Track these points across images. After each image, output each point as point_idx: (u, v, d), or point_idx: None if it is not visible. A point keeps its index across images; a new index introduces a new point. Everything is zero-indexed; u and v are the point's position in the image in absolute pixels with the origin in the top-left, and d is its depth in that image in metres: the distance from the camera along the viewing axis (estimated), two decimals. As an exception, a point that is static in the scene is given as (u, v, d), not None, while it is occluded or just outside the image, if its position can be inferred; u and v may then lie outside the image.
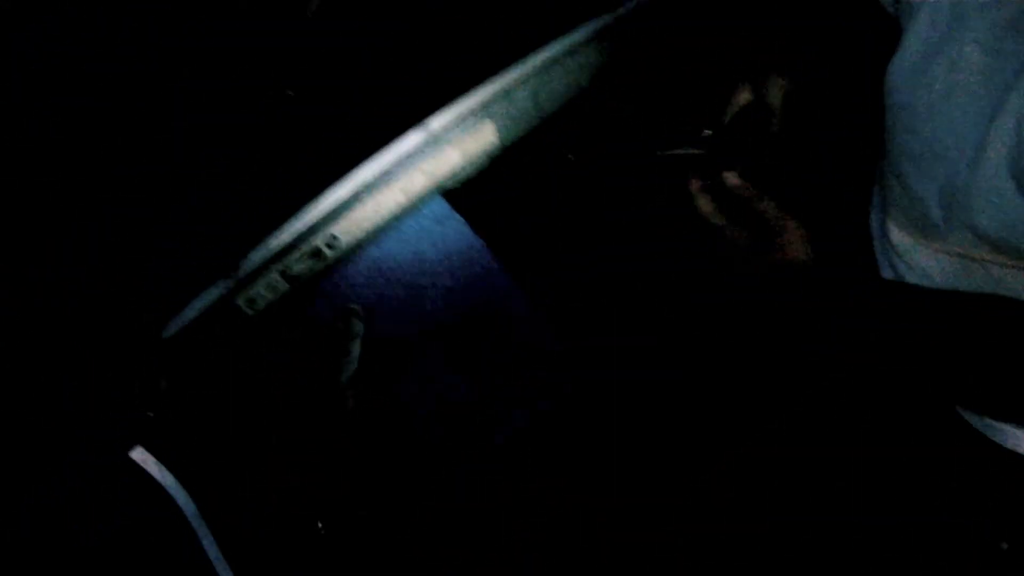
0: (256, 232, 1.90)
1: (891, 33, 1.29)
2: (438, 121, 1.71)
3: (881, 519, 1.37)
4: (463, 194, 1.77)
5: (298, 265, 1.67)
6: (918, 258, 1.25)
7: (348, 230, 1.69)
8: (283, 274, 1.65)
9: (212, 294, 1.64)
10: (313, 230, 1.63)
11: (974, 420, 1.34)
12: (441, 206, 1.84)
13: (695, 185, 1.30)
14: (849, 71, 1.61)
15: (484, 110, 1.72)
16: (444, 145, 1.68)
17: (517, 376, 1.75)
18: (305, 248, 1.64)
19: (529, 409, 1.74)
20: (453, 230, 1.81)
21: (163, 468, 1.38)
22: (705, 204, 1.28)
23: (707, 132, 1.75)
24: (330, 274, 1.71)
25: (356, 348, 1.66)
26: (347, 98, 2.29)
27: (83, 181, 2.13)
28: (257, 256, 1.61)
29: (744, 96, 1.48)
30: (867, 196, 1.51)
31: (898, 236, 1.29)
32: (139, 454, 1.39)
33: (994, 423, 1.30)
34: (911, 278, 1.28)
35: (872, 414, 1.44)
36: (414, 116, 1.86)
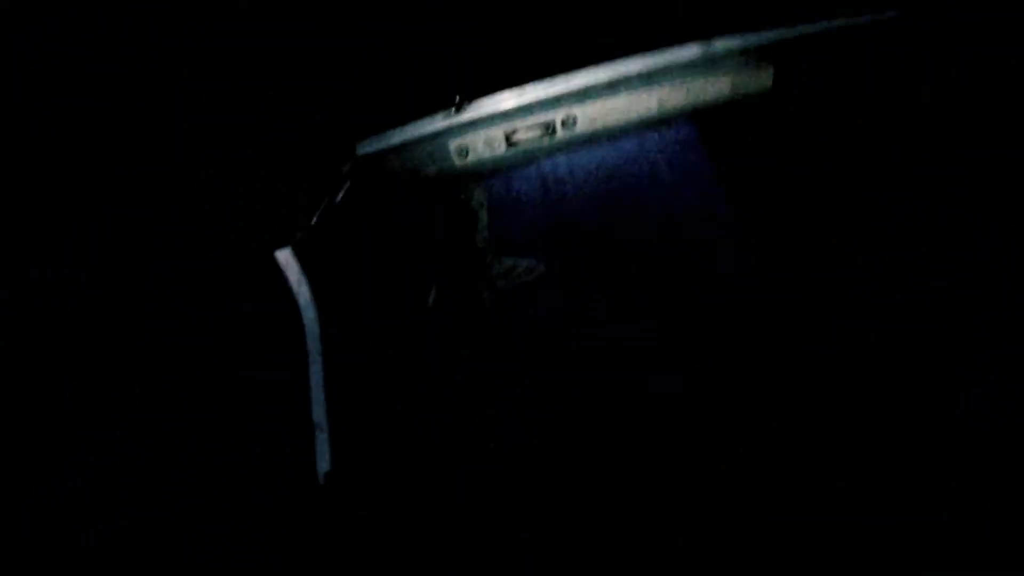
0: (255, 232, 1.87)
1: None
2: (724, 43, 1.59)
3: (881, 519, 1.37)
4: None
5: (527, 132, 1.59)
6: None
7: (590, 116, 1.59)
8: (508, 135, 1.56)
9: (426, 126, 1.54)
10: (555, 103, 1.54)
11: None
12: (690, 131, 1.74)
13: None
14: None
15: (770, 53, 1.59)
16: (720, 71, 1.59)
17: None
18: (541, 117, 1.56)
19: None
20: (694, 157, 1.68)
21: (303, 278, 1.29)
22: None
23: None
24: (553, 154, 1.63)
25: (484, 217, 1.57)
26: (347, 99, 2.27)
27: (83, 181, 2.12)
28: (487, 106, 1.51)
29: None
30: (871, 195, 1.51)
31: None
32: (284, 256, 1.29)
33: None
34: None
35: (872, 414, 1.44)
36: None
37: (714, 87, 1.61)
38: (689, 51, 1.56)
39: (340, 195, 1.41)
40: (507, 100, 1.52)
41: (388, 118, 1.52)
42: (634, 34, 1.66)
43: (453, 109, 1.51)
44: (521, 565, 1.49)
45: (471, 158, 1.57)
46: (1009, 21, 1.40)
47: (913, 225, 1.48)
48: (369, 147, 1.52)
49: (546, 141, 1.59)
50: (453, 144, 1.55)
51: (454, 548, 1.55)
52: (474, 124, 1.54)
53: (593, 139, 1.61)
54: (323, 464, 1.42)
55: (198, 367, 2.05)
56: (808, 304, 1.59)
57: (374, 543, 1.58)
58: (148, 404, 2.93)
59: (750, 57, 1.59)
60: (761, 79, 1.62)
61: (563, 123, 1.58)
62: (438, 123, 1.52)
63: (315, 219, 1.35)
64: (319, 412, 1.43)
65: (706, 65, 1.58)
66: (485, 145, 1.57)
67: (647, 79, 1.55)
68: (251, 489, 1.74)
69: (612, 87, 1.54)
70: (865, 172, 1.50)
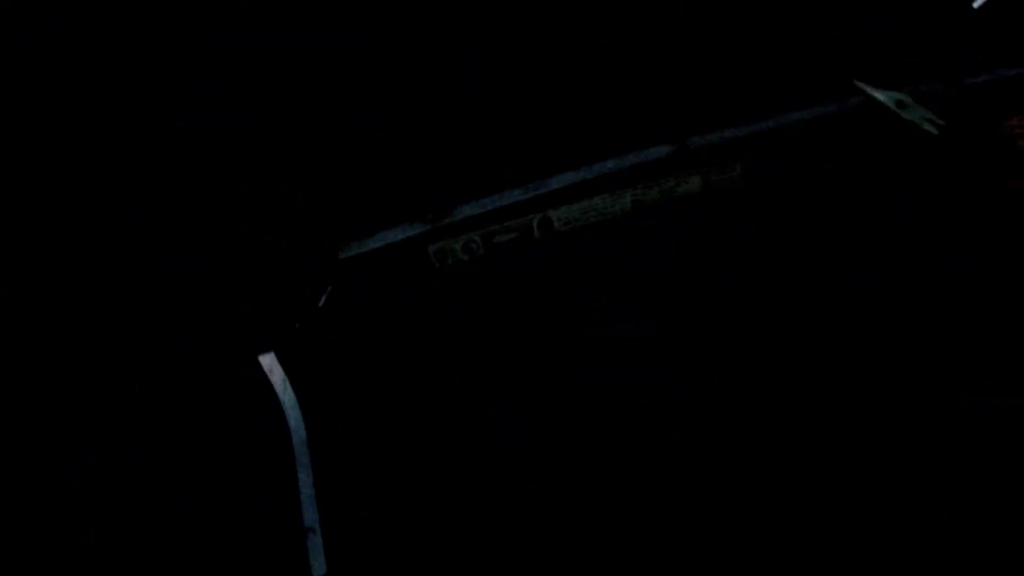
0: (257, 234, 1.87)
1: None
2: (694, 142, 1.72)
3: (881, 519, 1.37)
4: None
5: (504, 235, 1.66)
6: None
7: (566, 218, 1.67)
8: (485, 239, 1.63)
9: (405, 232, 1.61)
10: (531, 206, 1.61)
11: None
12: (664, 226, 1.79)
13: None
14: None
15: (738, 148, 1.71)
16: (691, 169, 1.68)
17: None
18: (518, 222, 1.62)
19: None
20: (672, 254, 1.73)
21: (288, 383, 1.31)
22: None
23: None
24: (529, 252, 1.67)
25: None
26: (350, 101, 2.26)
27: (83, 181, 2.12)
28: (464, 211, 1.59)
29: None
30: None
31: None
32: (268, 360, 1.32)
33: None
34: None
35: (872, 414, 1.44)
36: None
37: (686, 184, 1.69)
38: (660, 151, 1.66)
39: (323, 299, 1.47)
40: (484, 206, 1.60)
41: (370, 224, 1.58)
42: (606, 137, 1.73)
43: (431, 215, 1.59)
44: (521, 565, 1.50)
45: (450, 261, 1.64)
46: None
47: (891, 300, 1.49)
48: (351, 252, 1.58)
49: (524, 243, 1.66)
50: (433, 248, 1.61)
51: (454, 548, 1.55)
52: (453, 229, 1.60)
53: (574, 236, 1.69)
54: (319, 567, 1.44)
55: (198, 367, 2.05)
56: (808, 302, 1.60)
57: (374, 543, 1.58)
58: (148, 404, 2.93)
59: (721, 153, 1.68)
60: (733, 173, 1.71)
61: (540, 225, 1.65)
62: (418, 228, 1.60)
63: (298, 324, 1.39)
64: (311, 516, 1.45)
65: (677, 164, 1.67)
66: (464, 249, 1.63)
67: (620, 180, 1.64)
68: (251, 489, 1.73)
69: (586, 189, 1.62)
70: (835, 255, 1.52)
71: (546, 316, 1.60)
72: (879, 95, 1.34)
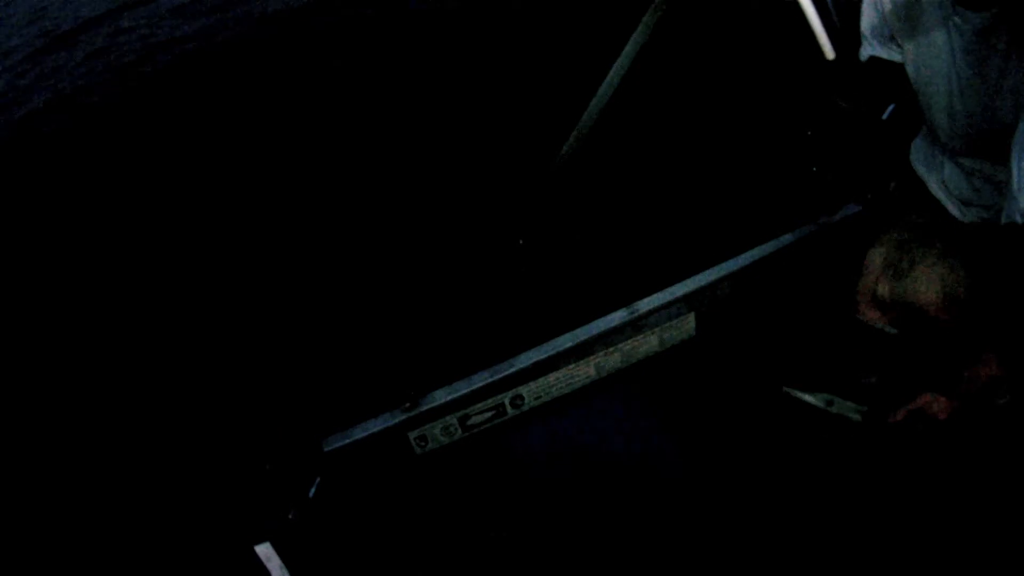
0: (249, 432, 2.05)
1: None
2: (646, 304, 1.78)
3: (882, 517, 1.38)
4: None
5: (479, 416, 1.73)
6: None
7: (535, 393, 1.77)
8: (461, 421, 1.71)
9: (385, 421, 1.67)
10: (501, 386, 1.71)
11: None
12: (629, 388, 1.82)
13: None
14: None
15: (687, 303, 1.81)
16: (646, 328, 1.79)
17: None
18: (491, 402, 1.72)
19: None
20: (640, 412, 1.75)
21: (285, 570, 1.36)
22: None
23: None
24: (505, 431, 1.77)
25: None
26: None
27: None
28: (439, 397, 1.69)
29: None
30: None
31: None
32: (265, 550, 1.35)
33: None
34: None
35: (873, 415, 1.44)
36: None
37: (644, 345, 1.80)
38: (616, 318, 1.76)
39: (312, 490, 1.52)
40: (457, 391, 1.68)
41: (351, 416, 1.70)
42: (563, 313, 1.92)
43: (408, 404, 1.66)
44: (521, 565, 1.49)
45: (430, 446, 1.71)
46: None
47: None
48: (335, 443, 1.64)
49: (499, 421, 1.75)
50: (412, 435, 1.68)
51: (454, 548, 1.55)
52: (430, 414, 1.67)
53: (545, 411, 1.80)
54: None
55: (199, 556, 2.16)
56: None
57: (375, 543, 1.58)
58: (148, 404, 2.93)
59: (672, 309, 1.79)
60: (686, 327, 1.83)
61: (512, 403, 1.74)
62: (397, 417, 1.65)
63: (291, 514, 1.44)
64: None
65: (633, 327, 1.77)
66: (443, 433, 1.70)
67: (581, 351, 1.74)
68: (251, 488, 1.73)
69: (551, 364, 1.72)
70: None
71: (526, 490, 1.67)
72: (807, 398, 1.51)
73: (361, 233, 3.66)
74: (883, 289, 1.48)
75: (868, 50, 1.49)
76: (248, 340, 3.08)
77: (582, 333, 1.74)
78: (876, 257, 1.50)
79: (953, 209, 1.50)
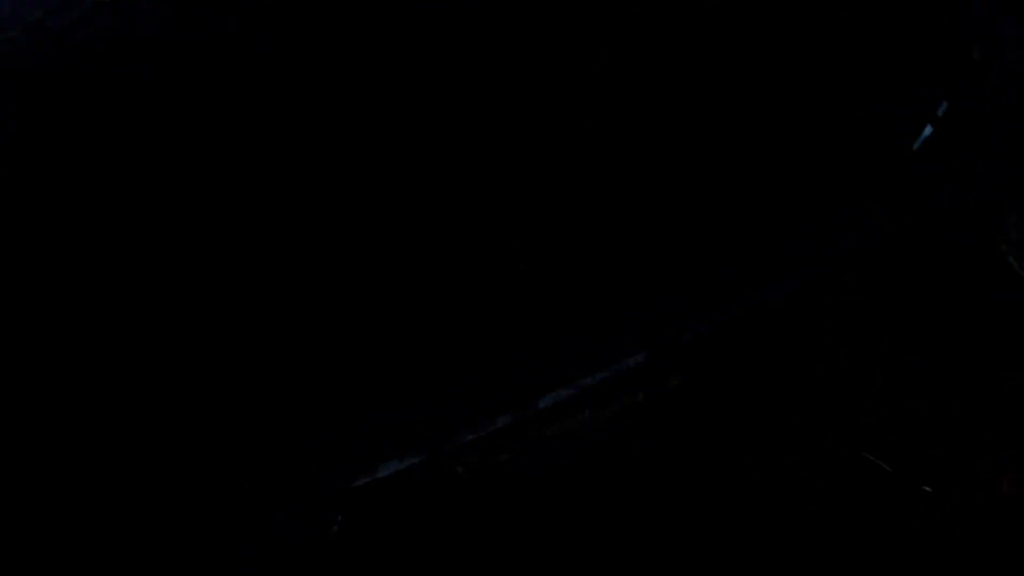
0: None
1: None
2: (635, 359, 1.83)
3: (881, 518, 1.38)
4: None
5: (501, 454, 1.81)
6: None
7: (558, 430, 1.81)
8: (483, 458, 1.78)
9: (410, 460, 1.79)
10: (522, 426, 1.76)
11: None
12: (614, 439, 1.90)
13: None
14: None
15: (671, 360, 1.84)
16: (634, 385, 1.80)
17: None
18: (510, 438, 1.79)
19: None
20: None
21: None
22: None
23: None
24: (527, 464, 1.80)
25: None
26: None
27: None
28: (463, 436, 1.78)
29: None
30: None
31: None
32: None
33: None
34: None
35: (871, 414, 1.45)
36: None
37: (632, 398, 1.82)
38: (601, 376, 1.81)
39: (335, 527, 1.65)
40: (481, 429, 1.79)
41: (377, 455, 1.83)
42: (563, 313, 1.98)
43: (431, 444, 1.78)
44: (521, 565, 1.50)
45: (456, 479, 1.78)
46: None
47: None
48: (361, 481, 1.76)
49: (519, 457, 1.80)
50: (437, 471, 1.79)
51: (454, 548, 1.55)
52: (453, 452, 1.79)
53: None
54: None
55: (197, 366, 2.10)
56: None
57: (375, 543, 1.58)
58: (148, 403, 2.93)
59: (655, 367, 1.82)
60: (668, 384, 1.84)
61: (532, 440, 1.79)
62: (421, 456, 1.78)
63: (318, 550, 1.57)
64: None
65: (624, 382, 1.81)
66: (464, 469, 1.78)
67: (563, 409, 1.80)
68: (251, 488, 1.73)
69: (574, 402, 1.79)
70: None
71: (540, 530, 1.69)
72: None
73: (363, 235, 3.64)
74: None
75: None
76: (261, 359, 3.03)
77: (563, 392, 1.82)
78: None
79: None
